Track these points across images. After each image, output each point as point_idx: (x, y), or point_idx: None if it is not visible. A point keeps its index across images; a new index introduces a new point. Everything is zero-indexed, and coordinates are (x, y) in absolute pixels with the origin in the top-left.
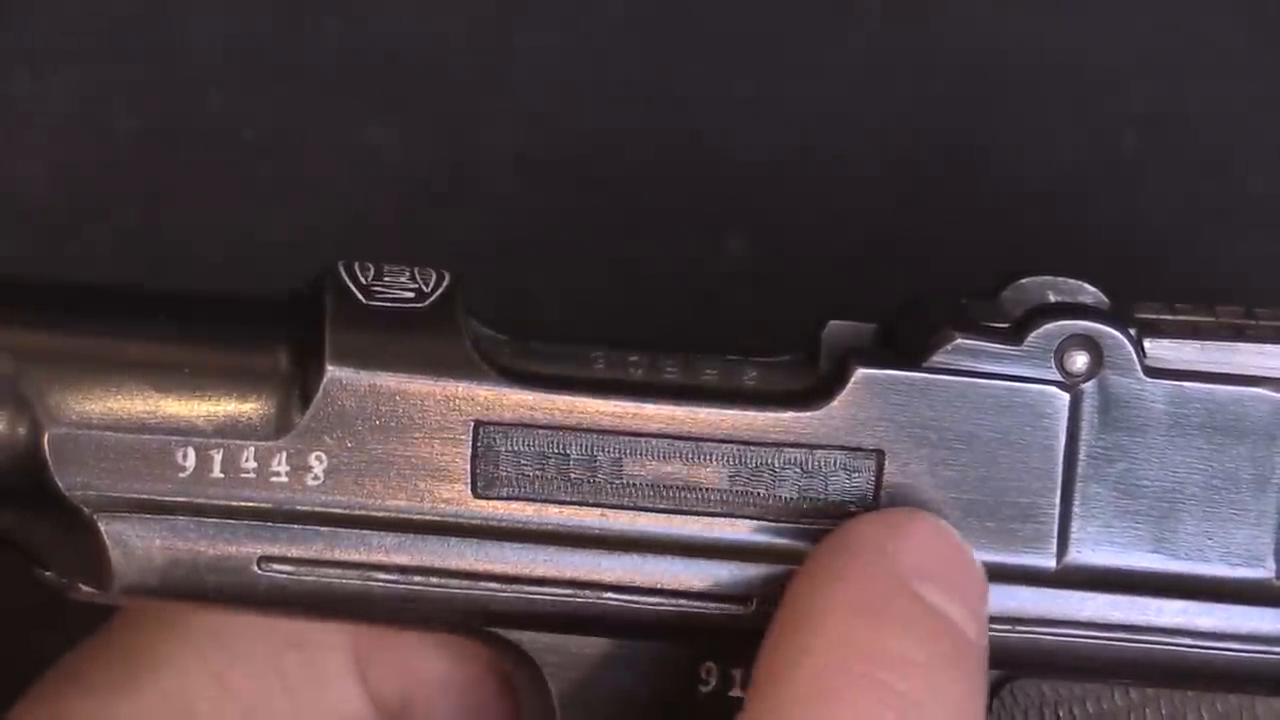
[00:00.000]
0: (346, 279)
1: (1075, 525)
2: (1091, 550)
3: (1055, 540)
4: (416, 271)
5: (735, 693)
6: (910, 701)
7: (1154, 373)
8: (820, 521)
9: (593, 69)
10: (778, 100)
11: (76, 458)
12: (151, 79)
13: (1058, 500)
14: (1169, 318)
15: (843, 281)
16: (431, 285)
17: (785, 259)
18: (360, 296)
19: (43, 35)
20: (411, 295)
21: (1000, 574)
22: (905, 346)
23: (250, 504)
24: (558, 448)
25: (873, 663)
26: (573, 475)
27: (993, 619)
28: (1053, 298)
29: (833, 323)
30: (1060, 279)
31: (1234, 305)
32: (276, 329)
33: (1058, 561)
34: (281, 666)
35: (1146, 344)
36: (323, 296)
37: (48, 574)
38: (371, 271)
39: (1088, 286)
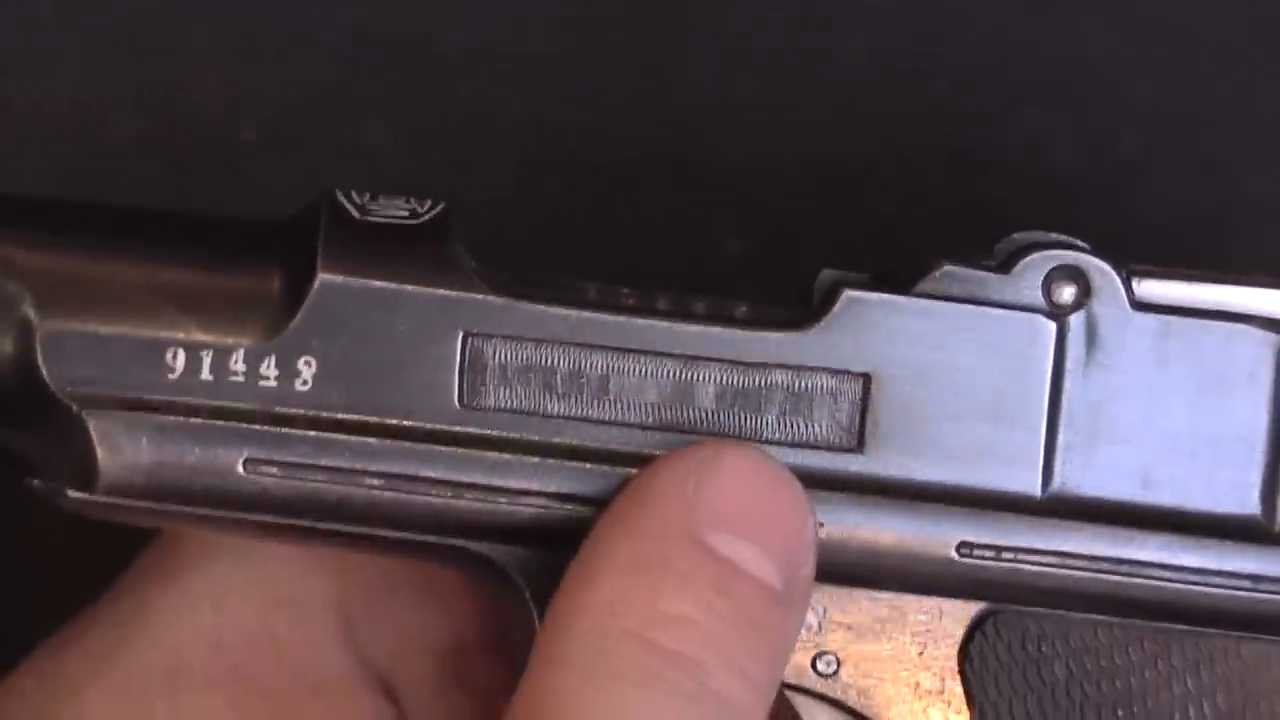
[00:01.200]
0: (342, 199)
1: (1060, 455)
2: (1076, 481)
3: (1040, 469)
4: (411, 198)
5: None
6: (683, 659)
7: (1142, 307)
8: (806, 443)
9: (593, 69)
10: (778, 100)
11: (67, 355)
12: (151, 79)
13: (1043, 429)
14: (1158, 267)
15: None
16: (426, 208)
17: (785, 259)
18: (355, 213)
19: (43, 35)
20: (406, 214)
21: (985, 500)
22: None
23: (238, 406)
24: (545, 361)
25: (644, 622)
26: (559, 390)
27: (976, 545)
28: None
29: (826, 271)
30: (1052, 234)
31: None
32: (272, 240)
33: (1042, 491)
34: (272, 625)
35: (1134, 282)
36: (318, 214)
37: (35, 481)
38: (367, 196)
39: (1078, 242)
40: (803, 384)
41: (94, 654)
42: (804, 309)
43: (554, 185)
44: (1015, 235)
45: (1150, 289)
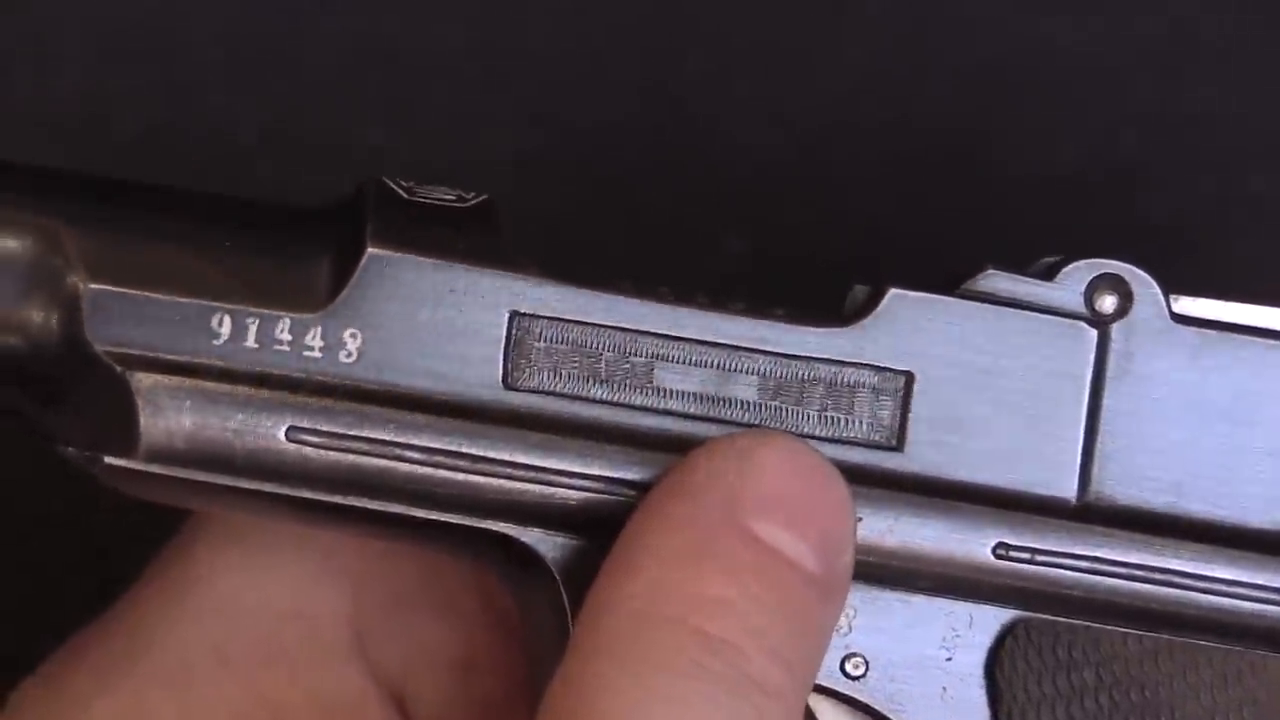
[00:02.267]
0: (390, 183)
1: (1097, 462)
2: (1112, 488)
3: (1077, 475)
4: (457, 188)
5: None
6: (725, 645)
7: (1181, 319)
8: (845, 439)
9: (593, 69)
10: (778, 100)
11: (112, 316)
12: (151, 79)
13: (1081, 435)
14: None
15: (843, 281)
16: (471, 196)
17: (785, 259)
18: (403, 194)
19: (43, 35)
20: (453, 199)
21: (1022, 503)
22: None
23: (283, 374)
24: (591, 345)
25: (687, 608)
26: (603, 374)
27: (1013, 547)
28: None
29: (858, 286)
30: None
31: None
32: (320, 219)
33: (1078, 497)
34: (282, 639)
35: (1173, 299)
36: (366, 195)
37: (70, 449)
38: (414, 182)
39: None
40: (845, 380)
41: (103, 666)
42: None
43: (554, 185)
44: (1049, 259)
45: (1186, 306)
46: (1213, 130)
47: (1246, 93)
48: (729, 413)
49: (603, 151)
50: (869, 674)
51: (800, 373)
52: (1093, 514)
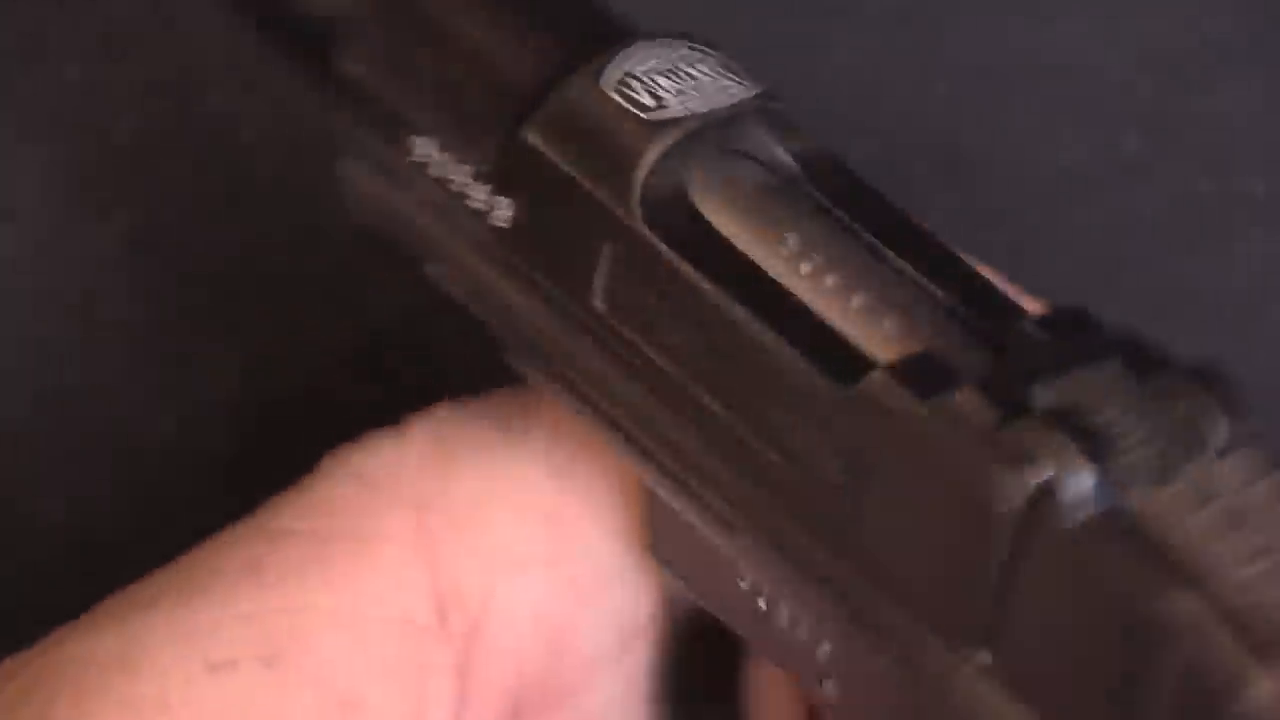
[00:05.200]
0: None
1: None
2: None
3: None
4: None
5: None
6: None
7: None
8: None
9: None
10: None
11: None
12: (151, 79)
13: None
14: None
15: None
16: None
17: None
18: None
19: (43, 35)
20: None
21: None
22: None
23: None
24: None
25: None
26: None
27: None
28: None
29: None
30: None
31: None
32: None
33: None
34: (328, 556)
35: None
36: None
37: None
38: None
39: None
40: None
41: (162, 606)
42: None
43: None
44: None
45: None
46: (1213, 130)
47: (1246, 93)
48: None
49: None
50: None
51: None
52: None
